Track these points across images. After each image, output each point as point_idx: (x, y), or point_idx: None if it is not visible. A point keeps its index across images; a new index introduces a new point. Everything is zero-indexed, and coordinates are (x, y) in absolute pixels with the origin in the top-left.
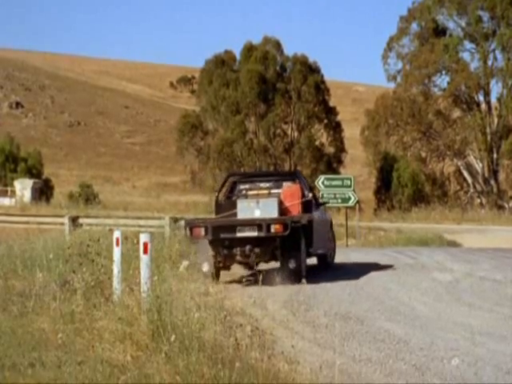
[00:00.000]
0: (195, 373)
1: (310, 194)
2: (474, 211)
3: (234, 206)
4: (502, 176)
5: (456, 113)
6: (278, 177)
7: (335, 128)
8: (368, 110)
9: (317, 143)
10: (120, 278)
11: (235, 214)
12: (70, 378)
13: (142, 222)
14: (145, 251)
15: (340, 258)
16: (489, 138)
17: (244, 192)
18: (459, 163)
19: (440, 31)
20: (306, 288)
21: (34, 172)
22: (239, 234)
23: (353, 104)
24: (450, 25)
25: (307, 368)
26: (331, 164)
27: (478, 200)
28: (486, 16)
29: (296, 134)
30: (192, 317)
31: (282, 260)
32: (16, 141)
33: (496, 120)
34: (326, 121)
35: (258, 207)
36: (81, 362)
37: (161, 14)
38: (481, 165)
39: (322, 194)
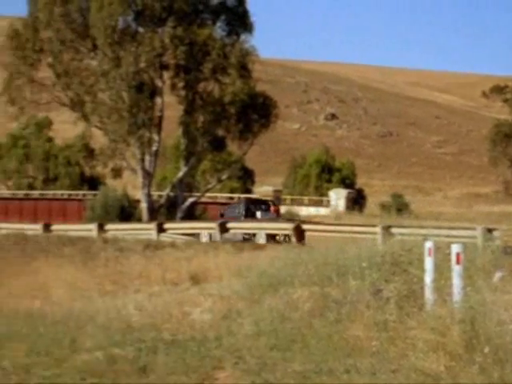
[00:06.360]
0: None
1: None
2: None
3: None
4: None
5: None
6: None
7: None
8: None
9: None
10: (432, 288)
11: None
12: None
13: (454, 233)
14: (457, 261)
15: None
16: None
17: None
18: None
19: None
20: None
21: (347, 182)
22: None
23: None
24: None
25: None
26: None
27: None
28: None
29: None
30: (506, 328)
31: None
32: (331, 152)
33: None
34: None
35: None
36: (394, 370)
37: (468, 21)
38: None
39: None
